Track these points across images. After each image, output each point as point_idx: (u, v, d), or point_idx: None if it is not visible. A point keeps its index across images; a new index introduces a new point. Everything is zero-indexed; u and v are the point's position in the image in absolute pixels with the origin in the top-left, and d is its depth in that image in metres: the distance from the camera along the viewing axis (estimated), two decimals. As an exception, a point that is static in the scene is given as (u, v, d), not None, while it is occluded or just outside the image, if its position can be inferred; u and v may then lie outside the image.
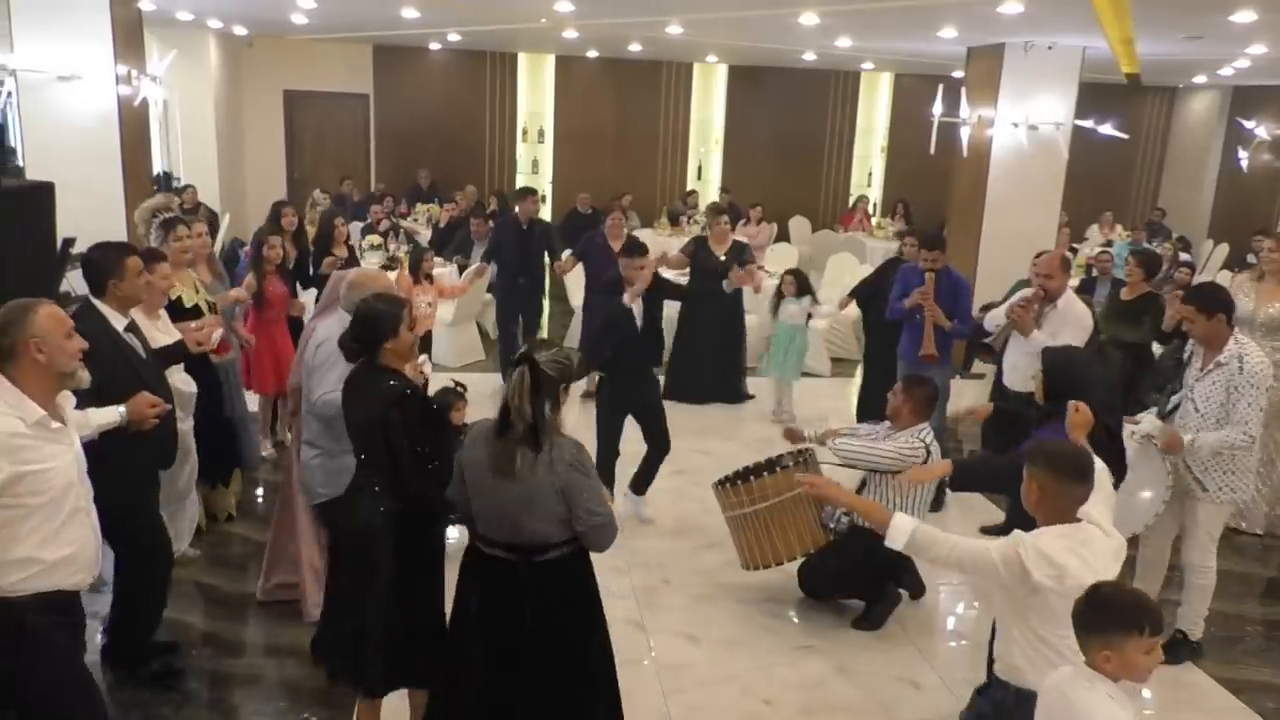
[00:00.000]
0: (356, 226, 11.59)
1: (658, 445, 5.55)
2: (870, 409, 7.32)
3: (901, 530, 2.79)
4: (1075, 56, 8.75)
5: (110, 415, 3.27)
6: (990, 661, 3.06)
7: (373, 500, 3.15)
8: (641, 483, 5.64)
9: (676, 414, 6.16)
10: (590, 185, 13.18)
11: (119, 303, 3.71)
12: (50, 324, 2.75)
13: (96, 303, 3.69)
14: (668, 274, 7.03)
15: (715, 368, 7.82)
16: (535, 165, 14.73)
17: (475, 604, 2.94)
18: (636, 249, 5.43)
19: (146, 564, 3.79)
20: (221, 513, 5.35)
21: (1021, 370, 5.17)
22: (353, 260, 6.83)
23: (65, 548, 2.77)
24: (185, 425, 4.42)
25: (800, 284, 7.50)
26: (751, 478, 4.65)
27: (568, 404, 2.89)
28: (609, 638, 3.11)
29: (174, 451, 3.87)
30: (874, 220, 14.34)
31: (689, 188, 14.66)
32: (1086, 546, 2.58)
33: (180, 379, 4.41)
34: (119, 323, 3.71)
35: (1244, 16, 6.71)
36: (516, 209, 7.98)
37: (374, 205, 11.79)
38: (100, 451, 3.11)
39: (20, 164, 7.68)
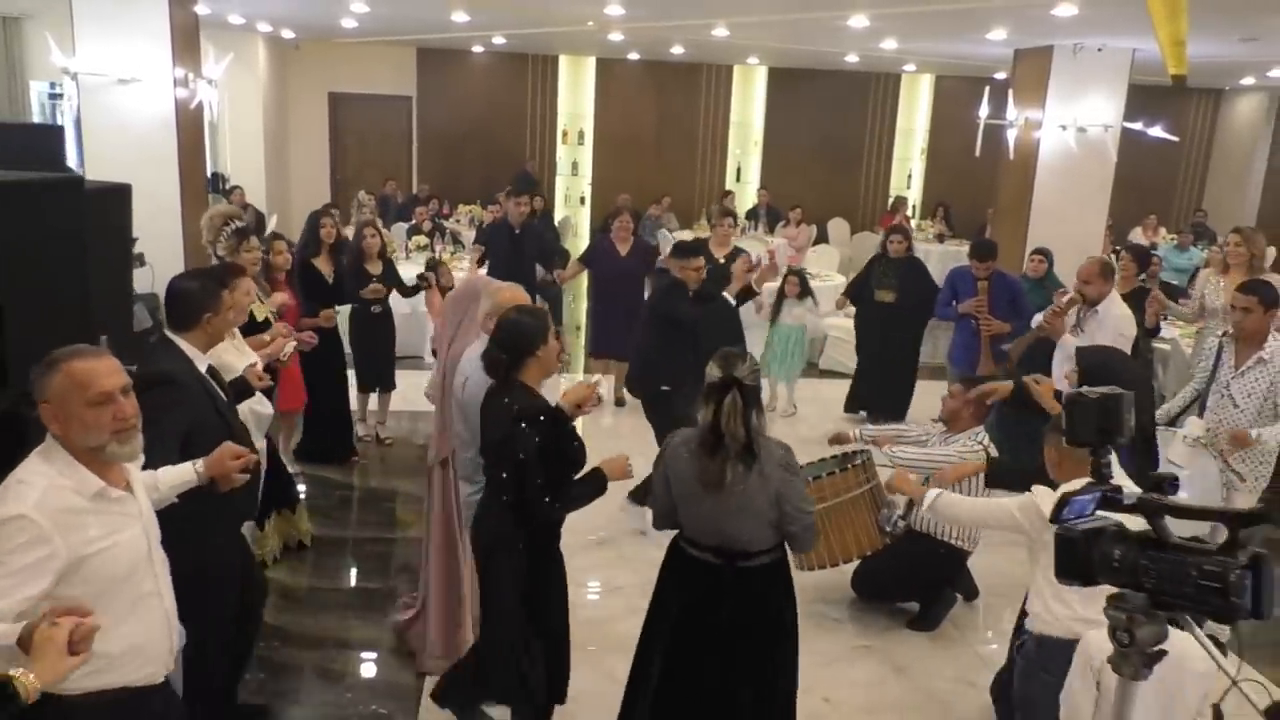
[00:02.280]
0: (401, 228, 11.74)
1: None
2: (860, 400, 7.56)
3: (928, 497, 3.33)
4: (1125, 58, 8.69)
5: (184, 474, 2.79)
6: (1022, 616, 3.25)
7: (498, 518, 3.14)
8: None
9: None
10: (629, 187, 13.25)
11: (207, 339, 3.34)
12: (66, 387, 2.23)
13: (177, 339, 3.26)
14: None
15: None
16: (575, 167, 14.82)
17: (676, 603, 3.06)
18: (689, 249, 5.44)
19: (222, 648, 3.34)
20: (294, 539, 5.03)
21: (1057, 379, 5.14)
22: (390, 270, 6.49)
23: (131, 638, 2.33)
24: (259, 449, 3.93)
25: (803, 285, 7.59)
26: (811, 479, 4.67)
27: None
28: (797, 651, 3.17)
29: (256, 501, 3.58)
30: (913, 222, 14.31)
31: (727, 189, 14.69)
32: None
33: (259, 399, 4.00)
34: (201, 363, 3.29)
35: (1302, 18, 6.66)
36: (507, 211, 7.78)
37: (418, 207, 11.91)
38: (182, 510, 2.76)
39: (79, 167, 7.84)
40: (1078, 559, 1.82)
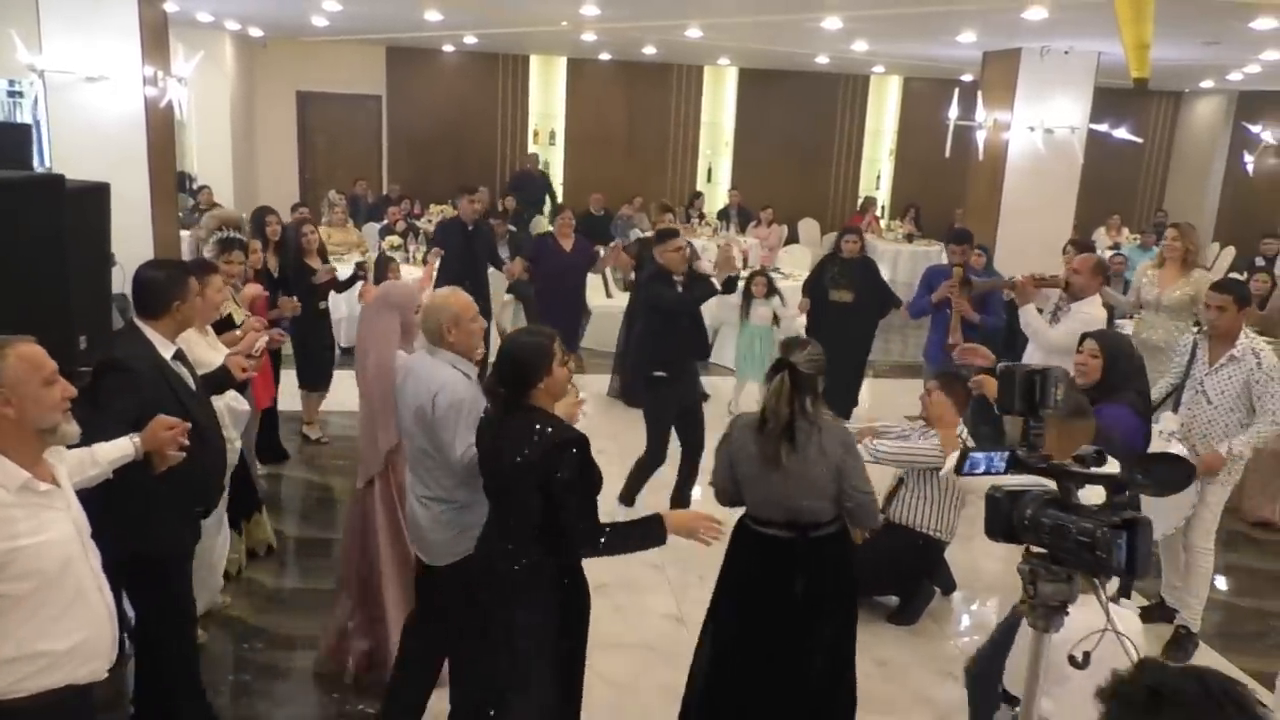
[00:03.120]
0: (373, 228, 11.68)
1: (697, 448, 5.48)
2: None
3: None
4: (1091, 61, 8.86)
5: (121, 447, 2.75)
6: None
7: (512, 555, 2.82)
8: (684, 497, 5.52)
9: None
10: (601, 186, 13.27)
11: (175, 327, 3.31)
12: (22, 370, 2.27)
13: (143, 327, 3.26)
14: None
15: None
16: (546, 166, 14.80)
17: (747, 576, 3.24)
18: (668, 234, 5.48)
19: (179, 631, 3.35)
20: (260, 546, 4.95)
21: None
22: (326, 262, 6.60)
23: (72, 635, 2.30)
24: (235, 445, 4.06)
25: (769, 285, 7.67)
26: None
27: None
28: (856, 618, 3.38)
29: (218, 491, 3.50)
30: (882, 223, 14.47)
31: (698, 189, 14.76)
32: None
33: (234, 395, 4.06)
34: (167, 350, 3.27)
35: (1264, 23, 6.81)
36: (458, 209, 7.78)
37: (391, 207, 11.85)
38: (123, 490, 2.75)
39: (47, 164, 7.73)
40: (1001, 517, 2.02)
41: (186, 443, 2.86)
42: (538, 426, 2.74)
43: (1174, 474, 2.11)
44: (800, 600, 3.14)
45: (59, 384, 2.34)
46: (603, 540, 2.75)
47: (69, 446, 2.48)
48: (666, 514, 2.88)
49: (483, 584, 2.90)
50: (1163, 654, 4.32)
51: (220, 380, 3.66)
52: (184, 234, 9.25)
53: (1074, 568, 1.97)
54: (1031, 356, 5.32)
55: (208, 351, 3.88)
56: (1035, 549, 2.01)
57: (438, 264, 7.16)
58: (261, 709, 3.83)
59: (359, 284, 6.83)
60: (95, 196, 3.89)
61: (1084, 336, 3.88)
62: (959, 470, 2.10)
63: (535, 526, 2.76)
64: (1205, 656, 4.46)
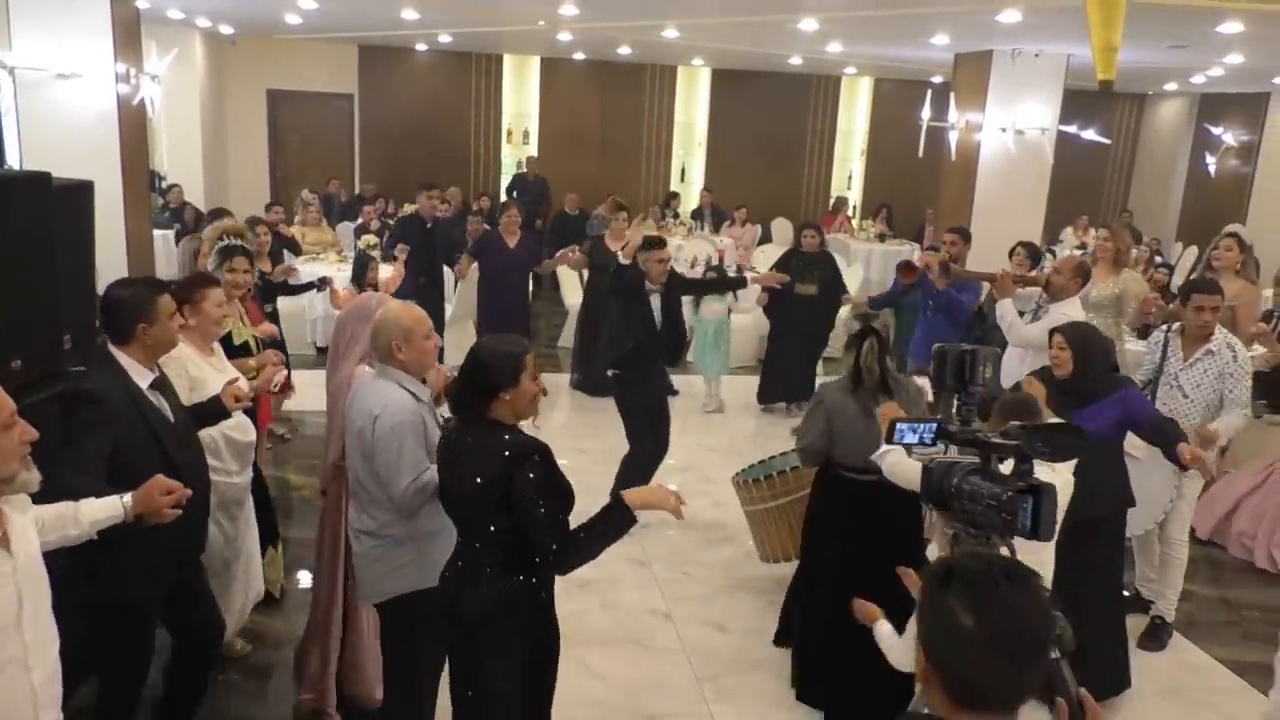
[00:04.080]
0: (347, 227, 11.62)
1: (661, 446, 5.58)
2: (777, 393, 7.88)
3: None
4: (1060, 64, 9.01)
5: (110, 508, 2.51)
6: None
7: (490, 582, 2.66)
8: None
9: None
10: (575, 186, 13.27)
11: (146, 352, 3.05)
12: None
13: (117, 353, 3.02)
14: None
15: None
16: (520, 166, 14.77)
17: (852, 519, 3.72)
18: (656, 242, 5.53)
19: (201, 655, 3.27)
20: (274, 585, 4.54)
21: (1011, 371, 5.27)
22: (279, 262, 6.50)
23: None
24: (241, 480, 3.79)
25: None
26: (775, 474, 4.77)
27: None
28: None
29: (202, 534, 3.24)
30: (854, 222, 14.60)
31: (672, 189, 14.81)
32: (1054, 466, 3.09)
33: (237, 424, 3.67)
34: (143, 378, 3.00)
35: (1230, 27, 6.97)
36: (417, 206, 7.83)
37: (365, 206, 11.79)
38: (107, 540, 2.56)
39: (16, 162, 7.62)
40: (934, 485, 2.24)
41: (182, 507, 2.61)
42: (501, 439, 2.59)
43: (1069, 442, 2.26)
44: (898, 539, 3.41)
45: (18, 426, 2.06)
46: (577, 549, 2.61)
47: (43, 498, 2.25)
48: (626, 493, 2.71)
49: (450, 622, 2.73)
50: (1139, 644, 4.42)
51: (211, 412, 3.33)
52: (156, 233, 9.18)
53: (988, 530, 2.16)
54: (1009, 354, 5.41)
55: (213, 375, 3.62)
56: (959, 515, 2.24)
57: (404, 259, 7.18)
58: (253, 708, 3.82)
59: (314, 290, 6.83)
60: (78, 195, 3.84)
61: (1052, 332, 3.93)
62: (889, 439, 2.37)
63: (503, 552, 2.63)
64: (1179, 646, 4.58)
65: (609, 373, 5.59)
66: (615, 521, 2.66)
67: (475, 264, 7.85)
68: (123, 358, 3.01)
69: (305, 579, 4.80)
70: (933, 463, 2.27)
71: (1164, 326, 4.67)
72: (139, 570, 2.91)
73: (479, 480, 2.57)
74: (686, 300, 7.87)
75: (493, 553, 2.65)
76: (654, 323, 5.49)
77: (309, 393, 6.67)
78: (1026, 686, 1.45)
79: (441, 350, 7.37)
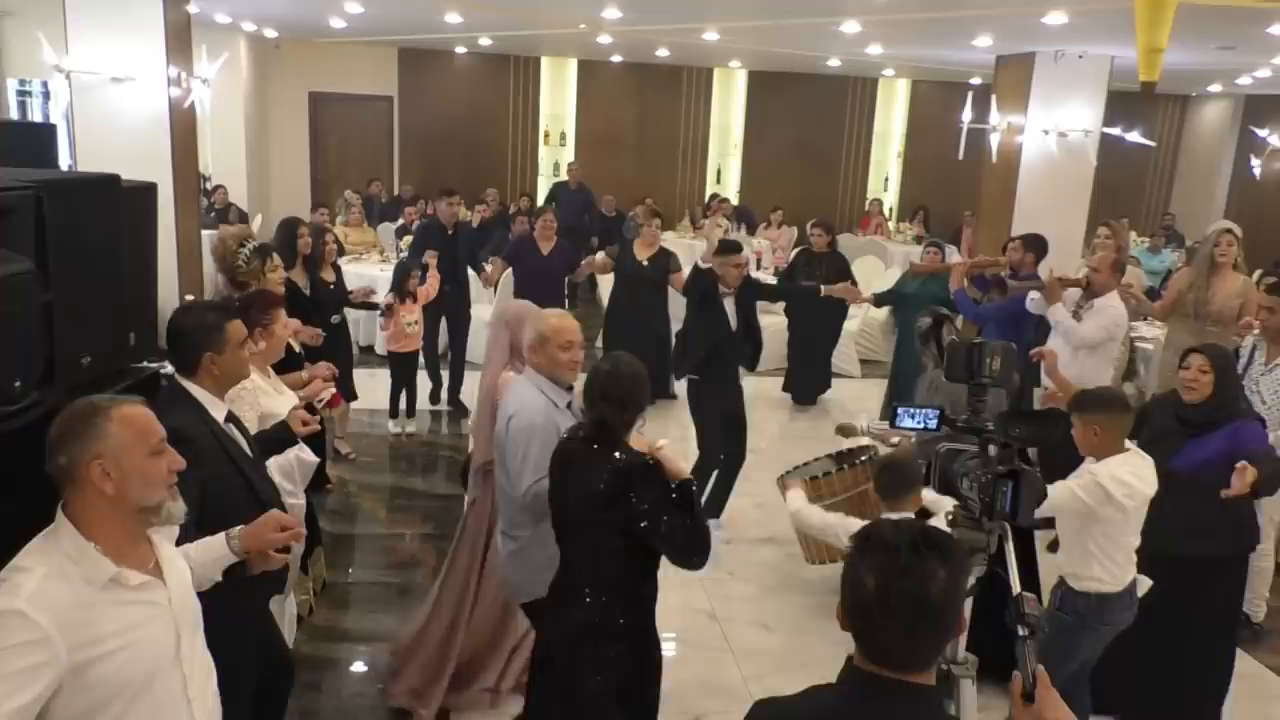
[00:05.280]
0: (388, 228, 11.76)
1: (739, 453, 5.55)
2: (792, 388, 8.02)
3: None
4: (1104, 65, 8.92)
5: (216, 546, 2.31)
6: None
7: (590, 602, 2.67)
8: (720, 503, 5.51)
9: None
10: (611, 188, 13.33)
11: (215, 383, 2.82)
12: (127, 436, 1.91)
13: (189, 386, 2.80)
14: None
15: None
16: (556, 168, 14.87)
17: None
18: (732, 246, 5.53)
19: (276, 702, 3.04)
20: (318, 582, 4.54)
21: (1063, 366, 5.28)
22: (340, 280, 6.26)
23: None
24: (301, 501, 3.61)
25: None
26: (822, 475, 4.79)
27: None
28: None
29: (286, 570, 3.02)
30: (890, 225, 14.55)
31: (709, 191, 14.82)
32: (1139, 466, 3.20)
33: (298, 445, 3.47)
34: (219, 411, 2.80)
35: (1280, 29, 6.89)
36: (437, 210, 7.66)
37: (407, 207, 11.93)
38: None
39: (71, 165, 7.80)
40: (941, 472, 2.36)
41: (294, 545, 2.42)
42: (614, 456, 2.61)
43: (1045, 428, 2.39)
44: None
45: (166, 454, 1.98)
46: (702, 534, 2.62)
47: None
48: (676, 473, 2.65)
49: (551, 638, 2.76)
50: None
51: (280, 439, 3.16)
52: (204, 234, 9.33)
53: (976, 510, 2.28)
54: (1061, 352, 5.41)
55: (276, 400, 3.47)
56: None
57: (435, 264, 6.99)
58: (307, 700, 3.90)
59: (378, 311, 6.90)
60: (144, 196, 3.94)
61: (1187, 352, 3.68)
62: (892, 424, 2.48)
63: (609, 569, 2.64)
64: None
65: (686, 379, 5.50)
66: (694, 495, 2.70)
67: (509, 269, 7.67)
68: (195, 390, 2.79)
69: (354, 574, 4.89)
70: (943, 448, 2.40)
71: (1255, 331, 4.63)
72: (230, 631, 2.54)
73: (588, 495, 2.60)
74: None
75: (593, 574, 2.66)
76: (729, 327, 5.44)
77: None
78: (922, 651, 1.55)
79: (434, 347, 7.28)
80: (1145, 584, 3.31)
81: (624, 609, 2.67)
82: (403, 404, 7.08)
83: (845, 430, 5.08)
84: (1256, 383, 4.39)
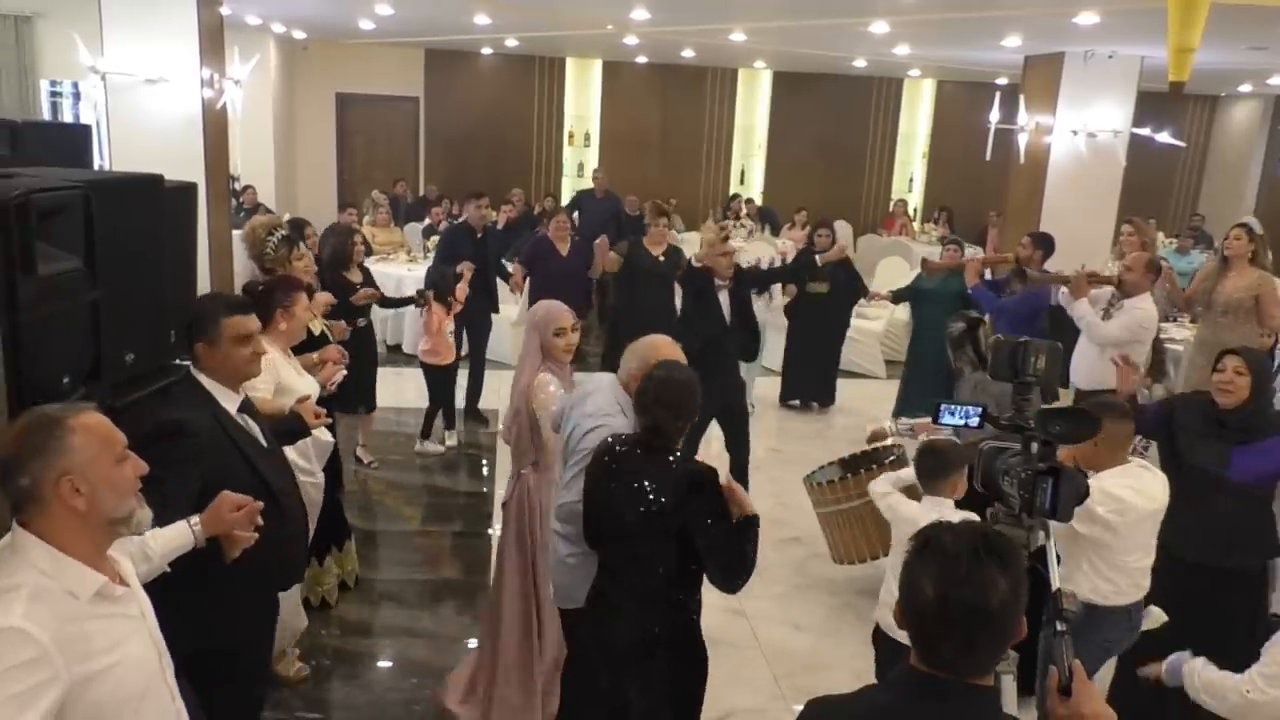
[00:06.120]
0: (415, 228, 11.83)
1: (742, 450, 5.49)
2: (794, 390, 7.97)
3: None
4: (1134, 65, 8.87)
5: (179, 536, 2.28)
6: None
7: (638, 616, 2.63)
8: None
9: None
10: (635, 188, 13.34)
11: (213, 375, 2.80)
12: (93, 447, 1.82)
13: (200, 377, 2.78)
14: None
15: None
16: (581, 169, 14.92)
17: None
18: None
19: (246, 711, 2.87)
20: (350, 576, 4.65)
21: (1087, 367, 5.28)
22: (369, 280, 6.09)
23: None
24: (319, 479, 3.74)
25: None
26: (848, 475, 4.80)
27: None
28: None
29: (302, 564, 3.01)
30: (915, 225, 14.50)
31: (732, 192, 14.82)
32: (1139, 480, 3.08)
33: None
34: (231, 402, 2.76)
35: (1315, 28, 6.83)
36: (465, 214, 7.46)
37: (434, 208, 12.01)
38: (185, 576, 2.29)
39: (105, 165, 7.90)
40: (986, 468, 2.37)
41: (260, 521, 2.41)
42: (670, 461, 2.59)
43: (1079, 426, 2.34)
44: None
45: (130, 460, 1.90)
46: (750, 563, 2.60)
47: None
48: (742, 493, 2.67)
49: (593, 652, 2.70)
50: None
51: (294, 429, 3.17)
52: (235, 234, 9.44)
53: (1016, 507, 2.27)
54: (1084, 350, 5.40)
55: (297, 380, 3.57)
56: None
57: (469, 275, 6.76)
58: (341, 692, 3.95)
59: (413, 306, 6.60)
60: (185, 195, 4.00)
61: (1222, 353, 3.51)
62: (934, 419, 2.46)
63: (657, 579, 2.58)
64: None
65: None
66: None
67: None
68: (206, 381, 2.77)
69: (385, 570, 4.94)
70: (986, 445, 2.41)
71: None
72: (234, 612, 2.63)
73: (643, 509, 2.54)
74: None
75: (647, 586, 2.59)
76: (724, 321, 5.42)
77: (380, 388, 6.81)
78: (980, 661, 1.51)
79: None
80: (1156, 617, 3.17)
81: (673, 619, 2.62)
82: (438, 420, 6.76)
83: (877, 436, 5.07)
84: None
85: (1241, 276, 5.62)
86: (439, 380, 6.63)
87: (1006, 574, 1.48)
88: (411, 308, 6.96)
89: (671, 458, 2.62)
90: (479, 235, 7.28)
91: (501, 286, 7.93)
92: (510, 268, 7.64)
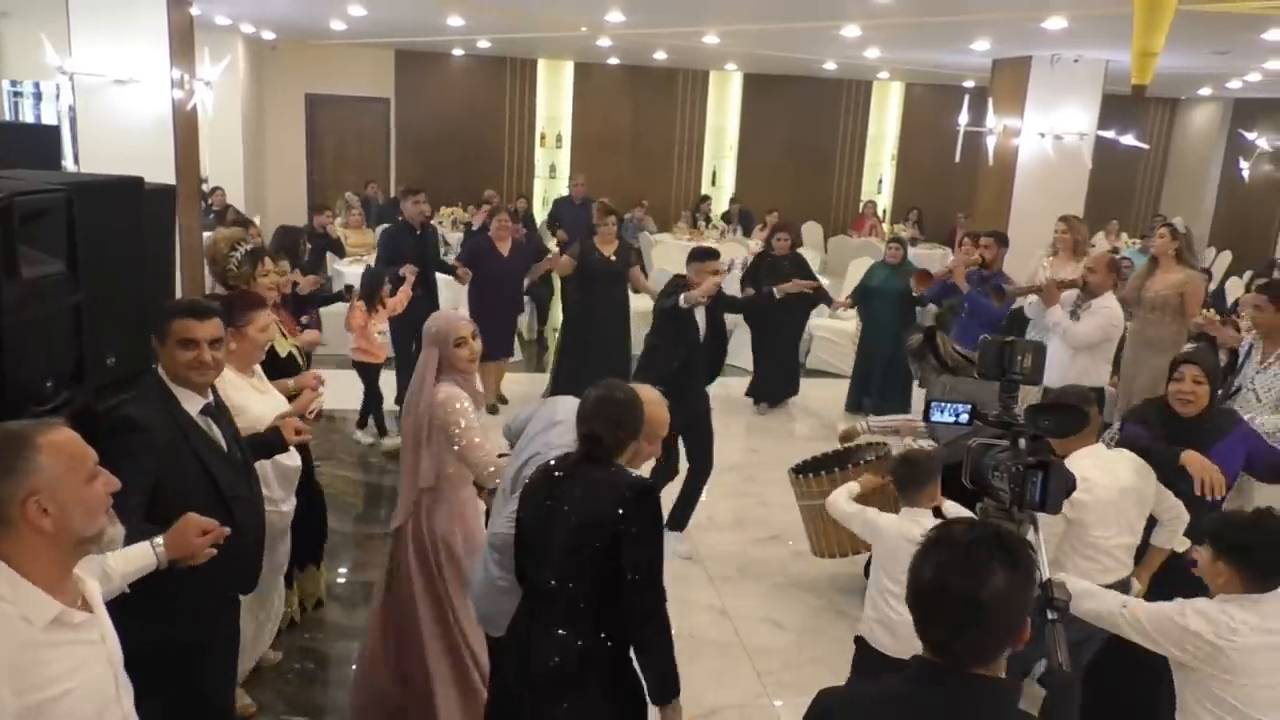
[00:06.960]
0: (386, 228, 11.75)
1: (703, 464, 5.32)
2: (757, 392, 8.11)
3: None
4: (1099, 69, 9.04)
5: (141, 558, 2.25)
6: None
7: (564, 639, 2.47)
8: (683, 517, 5.28)
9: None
10: (607, 190, 13.31)
11: (168, 375, 2.79)
12: (61, 465, 1.77)
13: (164, 376, 2.79)
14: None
15: (606, 365, 6.77)
16: (553, 170, 14.93)
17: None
18: (708, 254, 5.31)
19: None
20: (310, 599, 4.46)
21: (1060, 367, 5.35)
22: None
23: None
24: (287, 508, 3.55)
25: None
26: (835, 469, 4.85)
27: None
28: None
29: (256, 570, 2.93)
30: (884, 226, 14.65)
31: (704, 193, 14.89)
32: (1102, 458, 3.19)
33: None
34: (192, 403, 2.75)
35: (1276, 34, 6.98)
36: (403, 212, 7.29)
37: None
38: (151, 583, 2.30)
39: (74, 167, 7.81)
40: (974, 464, 2.41)
41: (219, 543, 2.37)
42: (620, 472, 2.52)
43: (1068, 419, 2.44)
44: None
45: (101, 477, 1.86)
46: (664, 627, 2.45)
47: None
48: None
49: (518, 681, 2.54)
50: None
51: (270, 443, 3.11)
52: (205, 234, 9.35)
53: (1006, 501, 2.32)
54: (1059, 352, 5.48)
55: (256, 399, 3.40)
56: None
57: (413, 279, 6.67)
58: (330, 696, 3.93)
59: (342, 302, 6.50)
60: (164, 197, 3.98)
61: (1178, 362, 3.52)
62: (924, 417, 2.52)
63: (600, 596, 2.44)
64: None
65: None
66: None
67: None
68: (168, 380, 2.77)
69: (371, 573, 4.93)
70: (974, 443, 2.46)
71: (1250, 330, 4.71)
72: (188, 607, 2.60)
73: (587, 521, 2.44)
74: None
75: (585, 606, 2.47)
76: (698, 337, 5.26)
77: (350, 391, 6.72)
78: (961, 652, 1.54)
79: (411, 356, 6.82)
80: (1135, 588, 3.25)
81: (612, 642, 2.48)
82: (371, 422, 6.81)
83: (848, 435, 5.12)
84: (1252, 380, 4.47)
85: (1169, 274, 5.76)
86: (371, 378, 6.75)
87: (1009, 570, 1.50)
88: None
89: (613, 467, 2.52)
90: (418, 233, 7.16)
91: (447, 284, 7.69)
92: (459, 273, 7.41)
